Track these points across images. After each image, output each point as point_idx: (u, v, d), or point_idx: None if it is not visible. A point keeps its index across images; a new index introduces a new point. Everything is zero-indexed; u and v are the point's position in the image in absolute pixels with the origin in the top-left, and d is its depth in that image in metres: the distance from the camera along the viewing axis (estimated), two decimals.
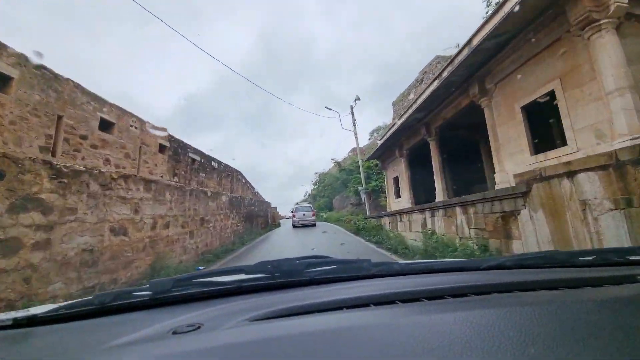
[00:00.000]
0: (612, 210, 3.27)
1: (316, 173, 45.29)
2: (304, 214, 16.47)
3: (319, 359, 0.45)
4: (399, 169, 12.84)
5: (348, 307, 0.69)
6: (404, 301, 0.72)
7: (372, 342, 0.49)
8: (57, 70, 6.83)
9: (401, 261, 1.16)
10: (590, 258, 1.08)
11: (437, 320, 0.57)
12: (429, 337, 0.50)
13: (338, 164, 36.54)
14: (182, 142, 12.82)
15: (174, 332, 0.60)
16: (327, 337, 0.52)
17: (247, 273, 0.93)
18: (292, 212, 18.79)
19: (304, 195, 53.45)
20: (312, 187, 47.49)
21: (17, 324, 0.75)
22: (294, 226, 16.82)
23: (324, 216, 30.12)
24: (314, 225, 16.45)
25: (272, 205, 29.66)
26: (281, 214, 48.47)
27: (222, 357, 0.47)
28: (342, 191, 30.99)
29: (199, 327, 0.61)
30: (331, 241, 11.53)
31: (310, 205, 20.03)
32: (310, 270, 0.96)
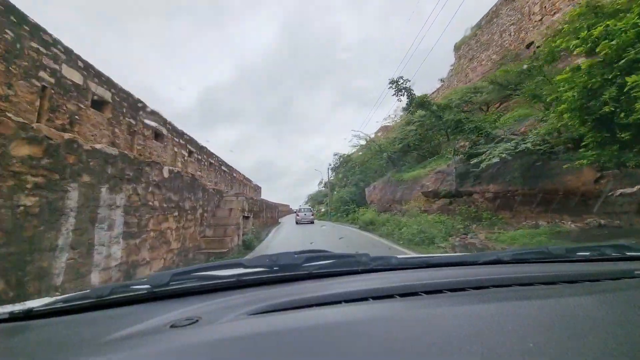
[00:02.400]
0: None
1: (336, 154, 30.93)
2: (305, 214, 22.97)
3: (318, 353, 0.45)
4: None
5: (347, 301, 0.69)
6: (402, 295, 0.72)
7: (371, 336, 0.49)
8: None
9: (399, 256, 1.15)
10: (587, 253, 1.09)
11: (435, 314, 0.58)
12: (428, 331, 0.50)
13: (417, 100, 12.13)
14: None
15: (172, 326, 0.59)
16: (326, 330, 0.52)
17: (245, 267, 0.92)
18: (296, 212, 25.69)
19: (317, 185, 43.75)
20: (330, 173, 34.56)
21: (14, 317, 0.75)
22: (297, 223, 22.40)
23: (360, 217, 15.02)
24: (312, 222, 22.31)
25: (255, 184, 24.12)
26: (293, 208, 42.64)
27: (221, 350, 0.47)
28: (387, 172, 17.40)
29: (197, 321, 0.61)
30: None
31: (311, 208, 27.78)
32: (309, 264, 0.96)
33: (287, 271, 0.93)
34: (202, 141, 11.59)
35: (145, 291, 0.80)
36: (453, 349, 0.44)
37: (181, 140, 9.70)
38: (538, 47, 9.80)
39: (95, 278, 3.44)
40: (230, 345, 0.48)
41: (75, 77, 5.44)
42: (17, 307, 0.76)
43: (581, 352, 0.42)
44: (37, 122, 4.54)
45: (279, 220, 25.47)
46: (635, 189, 5.24)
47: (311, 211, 24.03)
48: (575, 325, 0.49)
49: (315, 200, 48.22)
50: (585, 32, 4.57)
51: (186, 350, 0.47)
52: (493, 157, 6.76)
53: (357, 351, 0.45)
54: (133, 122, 7.04)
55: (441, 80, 23.34)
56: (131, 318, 0.68)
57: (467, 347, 0.44)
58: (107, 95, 6.16)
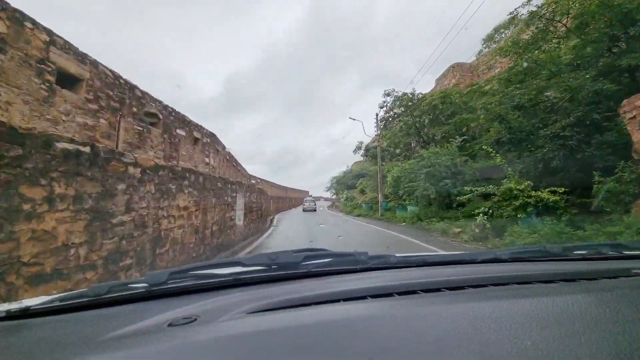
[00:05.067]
0: None
1: (389, 94, 16.45)
2: (309, 204, 28.17)
3: (316, 351, 0.45)
4: None
5: (345, 300, 0.69)
6: (401, 294, 0.72)
7: (369, 334, 0.49)
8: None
9: (398, 254, 1.15)
10: (584, 252, 1.10)
11: (434, 313, 0.58)
12: (426, 329, 0.50)
13: None
14: None
15: (170, 325, 0.60)
16: (324, 329, 0.52)
17: (244, 266, 0.93)
18: (303, 202, 30.50)
19: (354, 152, 27.54)
20: (377, 129, 18.27)
21: (10, 316, 0.74)
22: (303, 210, 27.32)
23: None
24: (315, 210, 26.94)
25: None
26: (307, 197, 37.70)
27: (219, 349, 0.47)
28: None
29: (195, 320, 0.61)
30: None
31: (314, 199, 31.44)
32: (307, 262, 0.96)
33: (286, 269, 0.93)
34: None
35: (143, 290, 0.81)
36: (451, 347, 0.44)
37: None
38: None
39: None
40: (229, 343, 0.48)
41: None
42: (14, 306, 0.76)
43: (579, 350, 0.42)
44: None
45: (273, 220, 15.83)
46: None
47: (314, 202, 30.97)
48: (572, 324, 0.49)
49: (342, 184, 34.79)
50: None
51: (184, 349, 0.47)
52: None
53: (355, 349, 0.45)
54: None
55: None
56: (129, 317, 0.68)
57: (465, 345, 0.44)
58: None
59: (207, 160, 11.24)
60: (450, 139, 11.48)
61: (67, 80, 5.47)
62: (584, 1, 7.81)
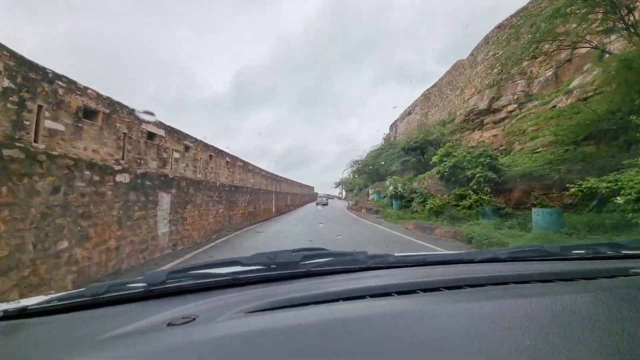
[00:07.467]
0: None
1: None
2: (321, 199, 31.48)
3: (315, 351, 0.45)
4: None
5: (344, 299, 0.69)
6: (399, 293, 0.72)
7: (368, 334, 0.49)
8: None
9: (397, 254, 1.15)
10: (582, 251, 1.10)
11: (432, 312, 0.58)
12: (425, 329, 0.50)
13: None
14: None
15: (169, 324, 0.59)
16: (323, 328, 0.52)
17: (242, 265, 0.93)
18: (316, 199, 33.82)
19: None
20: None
21: (8, 316, 0.74)
22: (317, 205, 29.97)
23: None
24: (326, 204, 29.67)
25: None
26: (319, 193, 40.38)
27: (217, 348, 0.47)
28: None
29: (194, 319, 0.61)
30: None
31: (326, 196, 36.03)
32: (306, 262, 0.96)
33: (285, 269, 0.93)
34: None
35: (142, 289, 0.80)
36: (450, 346, 0.44)
37: None
38: None
39: None
40: (227, 343, 0.48)
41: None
42: (12, 306, 0.76)
43: (577, 349, 0.42)
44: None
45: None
46: None
47: (326, 198, 34.67)
48: (571, 323, 0.50)
49: (369, 172, 24.87)
50: None
51: (183, 349, 0.47)
52: None
53: (354, 349, 0.45)
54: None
55: None
56: (127, 317, 0.67)
57: (465, 344, 0.44)
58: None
59: None
60: None
61: None
62: None
